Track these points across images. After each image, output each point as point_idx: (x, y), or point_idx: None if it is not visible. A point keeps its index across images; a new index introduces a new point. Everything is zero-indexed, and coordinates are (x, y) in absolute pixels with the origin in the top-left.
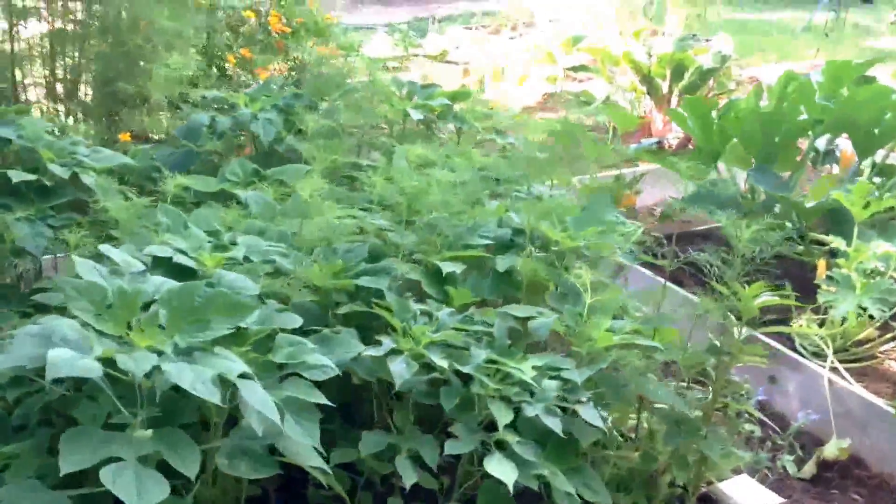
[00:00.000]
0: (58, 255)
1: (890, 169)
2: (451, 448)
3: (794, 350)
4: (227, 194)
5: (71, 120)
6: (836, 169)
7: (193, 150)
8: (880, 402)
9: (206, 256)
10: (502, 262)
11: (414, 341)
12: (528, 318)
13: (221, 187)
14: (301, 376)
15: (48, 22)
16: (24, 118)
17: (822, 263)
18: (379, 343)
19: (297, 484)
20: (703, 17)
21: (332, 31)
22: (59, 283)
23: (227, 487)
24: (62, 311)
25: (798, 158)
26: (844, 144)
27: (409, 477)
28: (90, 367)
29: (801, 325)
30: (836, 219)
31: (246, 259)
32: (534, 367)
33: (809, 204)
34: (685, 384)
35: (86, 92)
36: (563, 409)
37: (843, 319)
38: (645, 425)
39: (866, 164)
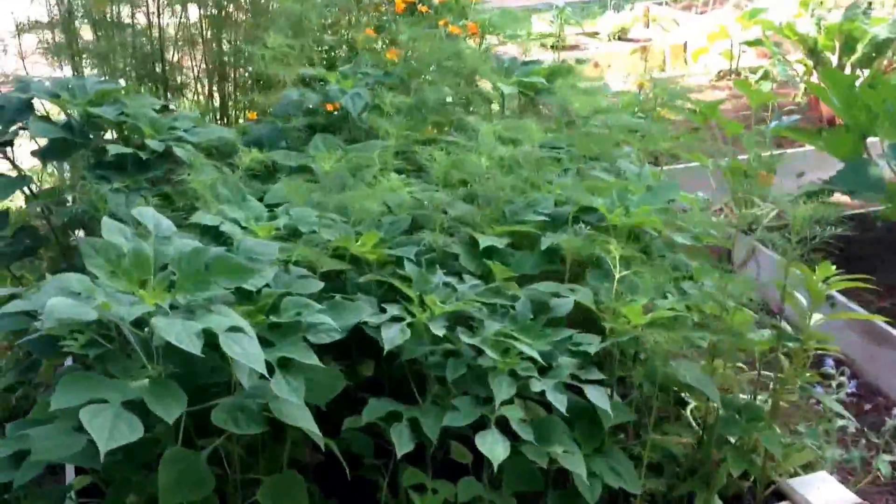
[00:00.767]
0: None
1: None
2: (450, 420)
3: None
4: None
5: (217, 101)
6: None
7: (278, 126)
8: None
9: (257, 226)
10: (546, 239)
11: (430, 311)
12: (555, 294)
13: (302, 162)
14: (307, 341)
15: (201, 7)
16: (129, 97)
17: None
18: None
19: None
20: None
21: (473, 9)
22: (79, 241)
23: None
24: None
25: None
26: None
27: (402, 445)
28: (83, 313)
29: None
30: None
31: (293, 229)
32: (552, 343)
33: None
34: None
35: (233, 75)
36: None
37: None
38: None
39: None
